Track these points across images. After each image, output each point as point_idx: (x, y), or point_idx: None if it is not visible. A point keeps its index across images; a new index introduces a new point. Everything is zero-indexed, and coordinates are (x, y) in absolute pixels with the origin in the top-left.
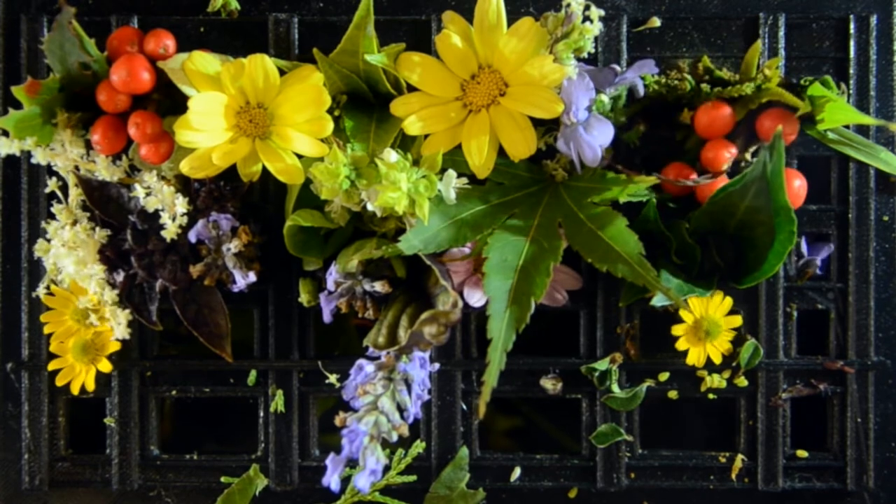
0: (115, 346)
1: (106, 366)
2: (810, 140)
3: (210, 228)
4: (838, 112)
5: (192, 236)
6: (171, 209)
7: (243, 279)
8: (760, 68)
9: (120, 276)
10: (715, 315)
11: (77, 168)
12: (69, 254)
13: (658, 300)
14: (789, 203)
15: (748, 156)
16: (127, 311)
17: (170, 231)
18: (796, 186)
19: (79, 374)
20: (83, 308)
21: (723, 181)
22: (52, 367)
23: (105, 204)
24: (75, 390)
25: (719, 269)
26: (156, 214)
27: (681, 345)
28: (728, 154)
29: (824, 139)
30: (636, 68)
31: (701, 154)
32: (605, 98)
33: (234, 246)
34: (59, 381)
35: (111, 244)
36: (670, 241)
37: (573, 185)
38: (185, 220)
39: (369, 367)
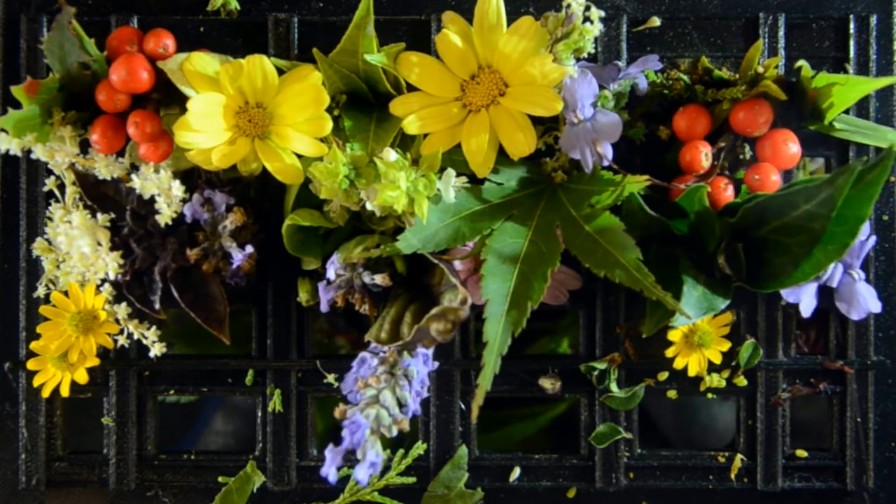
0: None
1: (83, 376)
2: (810, 140)
3: (205, 210)
4: (848, 91)
5: (186, 210)
6: (167, 195)
7: (240, 254)
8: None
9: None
10: (704, 324)
11: (73, 164)
12: (82, 235)
13: (679, 320)
14: (867, 216)
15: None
16: (155, 327)
17: (164, 216)
18: (790, 148)
19: (53, 377)
20: (83, 314)
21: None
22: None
23: (102, 199)
24: (45, 393)
25: (736, 274)
26: (153, 201)
27: (678, 363)
28: (704, 153)
29: (830, 131)
30: (640, 63)
31: (679, 157)
32: (608, 94)
33: (229, 222)
34: (36, 382)
35: (113, 236)
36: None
37: (571, 187)
38: (180, 206)
39: (373, 361)
